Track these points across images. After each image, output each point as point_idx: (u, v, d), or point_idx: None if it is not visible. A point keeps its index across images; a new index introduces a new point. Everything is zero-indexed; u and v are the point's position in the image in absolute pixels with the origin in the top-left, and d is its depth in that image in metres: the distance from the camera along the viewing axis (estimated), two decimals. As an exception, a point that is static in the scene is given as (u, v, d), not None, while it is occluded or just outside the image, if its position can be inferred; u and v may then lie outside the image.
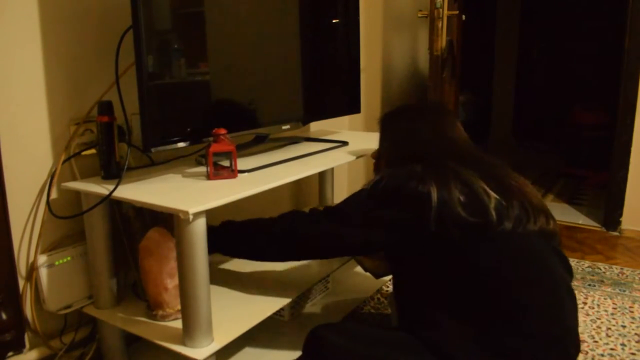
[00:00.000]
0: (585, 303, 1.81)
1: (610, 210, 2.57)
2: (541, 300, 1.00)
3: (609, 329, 1.65)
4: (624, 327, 1.66)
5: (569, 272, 1.10)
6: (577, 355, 1.03)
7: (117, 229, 1.34)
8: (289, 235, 1.22)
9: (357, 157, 1.54)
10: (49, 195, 1.28)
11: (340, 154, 1.57)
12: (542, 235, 1.07)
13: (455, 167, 1.09)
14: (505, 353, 0.95)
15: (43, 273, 1.26)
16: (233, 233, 1.31)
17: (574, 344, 1.02)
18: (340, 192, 2.22)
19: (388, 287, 1.93)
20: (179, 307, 1.22)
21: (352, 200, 1.17)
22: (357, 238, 1.14)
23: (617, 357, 1.50)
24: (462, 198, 1.03)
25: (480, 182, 1.06)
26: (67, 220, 1.31)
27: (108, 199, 1.17)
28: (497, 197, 1.04)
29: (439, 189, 1.04)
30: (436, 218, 1.03)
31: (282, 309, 1.60)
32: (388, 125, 1.32)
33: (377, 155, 1.37)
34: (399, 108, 1.34)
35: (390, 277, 1.95)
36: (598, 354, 1.51)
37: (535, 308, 0.99)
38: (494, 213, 1.02)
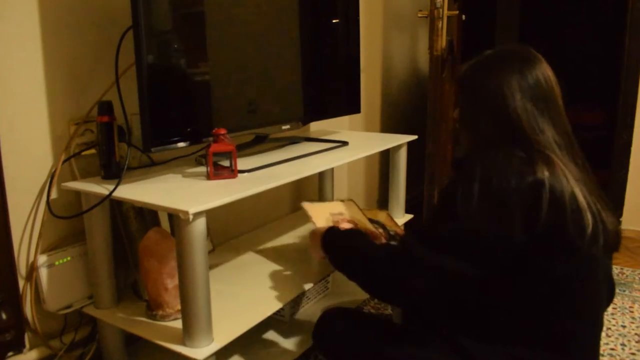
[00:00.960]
0: (585, 303, 1.81)
1: (610, 210, 2.57)
2: (586, 327, 0.96)
3: (609, 329, 1.65)
4: (624, 327, 1.66)
5: (609, 297, 1.04)
6: None
7: (117, 229, 1.34)
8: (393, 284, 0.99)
9: (357, 157, 1.54)
10: (49, 195, 1.28)
11: (340, 154, 1.57)
12: (608, 253, 0.98)
13: (569, 165, 0.93)
14: None
15: (43, 273, 1.26)
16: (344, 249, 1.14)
17: None
18: (340, 192, 2.22)
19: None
20: (179, 307, 1.22)
21: (445, 217, 0.94)
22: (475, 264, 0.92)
23: (617, 357, 1.50)
24: (572, 214, 0.88)
25: (588, 196, 0.91)
26: (67, 220, 1.31)
27: (108, 199, 1.17)
28: (595, 217, 0.90)
29: (552, 202, 0.87)
30: (545, 228, 0.87)
31: (282, 309, 1.60)
32: (471, 82, 1.04)
33: (460, 118, 1.11)
34: (486, 58, 1.04)
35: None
36: (598, 354, 1.51)
37: (579, 335, 0.94)
38: (589, 237, 0.89)
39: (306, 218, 1.38)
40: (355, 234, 1.16)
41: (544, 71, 1.00)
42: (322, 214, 1.39)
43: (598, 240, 0.90)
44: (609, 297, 1.03)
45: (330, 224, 1.31)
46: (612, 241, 0.95)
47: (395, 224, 1.49)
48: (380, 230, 1.39)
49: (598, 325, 0.99)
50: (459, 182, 0.93)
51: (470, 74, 1.03)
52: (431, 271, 0.93)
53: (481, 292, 0.93)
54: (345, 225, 1.28)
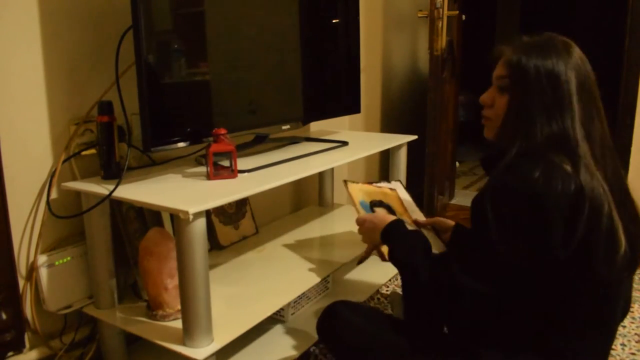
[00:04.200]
0: (585, 303, 1.81)
1: (610, 210, 2.57)
2: (598, 346, 0.96)
3: (609, 329, 1.65)
4: (624, 327, 1.66)
5: (624, 311, 1.01)
6: None
7: (117, 229, 1.34)
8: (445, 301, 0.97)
9: (357, 157, 1.54)
10: (49, 195, 1.28)
11: (340, 154, 1.57)
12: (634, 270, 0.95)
13: (606, 182, 0.87)
14: None
15: (43, 273, 1.26)
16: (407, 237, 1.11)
17: None
18: (340, 192, 2.21)
19: (388, 287, 1.93)
20: (179, 307, 1.22)
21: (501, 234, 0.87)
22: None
23: (617, 357, 1.50)
24: (605, 234, 0.84)
25: (619, 221, 0.86)
26: (67, 220, 1.31)
27: (108, 199, 1.17)
28: (626, 245, 0.87)
29: (604, 208, 0.84)
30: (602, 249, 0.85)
31: (282, 309, 1.60)
32: (524, 68, 0.93)
33: (492, 103, 1.02)
34: (533, 43, 0.96)
35: (391, 276, 1.95)
36: (598, 354, 1.51)
37: (592, 353, 0.94)
38: (618, 266, 0.87)
39: (322, 209, 1.37)
40: (415, 238, 1.10)
41: (586, 64, 0.94)
42: (361, 196, 1.42)
43: (629, 265, 0.88)
44: (624, 311, 1.00)
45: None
46: (632, 259, 0.91)
47: (402, 205, 1.49)
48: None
49: (612, 338, 0.99)
50: (493, 194, 0.88)
51: (522, 59, 0.94)
52: (473, 299, 0.91)
53: (507, 311, 0.91)
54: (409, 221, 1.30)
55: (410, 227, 1.16)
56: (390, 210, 1.44)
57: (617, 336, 1.60)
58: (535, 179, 0.83)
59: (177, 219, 1.04)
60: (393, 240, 1.11)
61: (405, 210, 1.47)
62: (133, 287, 1.38)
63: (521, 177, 0.85)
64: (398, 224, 1.14)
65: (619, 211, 0.87)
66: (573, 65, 0.91)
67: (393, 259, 1.08)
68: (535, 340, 0.93)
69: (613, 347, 1.54)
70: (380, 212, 1.38)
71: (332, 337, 1.11)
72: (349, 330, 1.07)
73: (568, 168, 0.85)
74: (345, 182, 1.48)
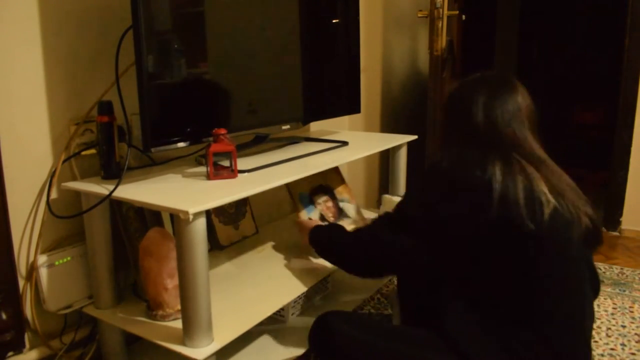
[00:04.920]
0: (585, 303, 1.81)
1: (610, 210, 2.57)
2: (565, 309, 1.00)
3: (609, 329, 1.65)
4: (624, 327, 1.66)
5: (595, 288, 1.10)
6: None
7: (117, 229, 1.34)
8: (361, 247, 1.24)
9: (357, 157, 1.54)
10: (49, 195, 1.28)
11: (340, 154, 1.57)
12: (584, 240, 1.05)
13: (521, 161, 1.04)
14: (517, 350, 0.96)
15: (43, 273, 1.26)
16: (327, 239, 1.38)
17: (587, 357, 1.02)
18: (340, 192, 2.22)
19: (388, 287, 1.93)
20: (179, 307, 1.22)
21: (409, 198, 1.18)
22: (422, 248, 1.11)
23: (617, 357, 1.50)
24: (524, 197, 0.99)
25: (542, 185, 1.01)
26: (67, 220, 1.31)
27: (108, 199, 1.17)
28: (555, 202, 1.00)
29: (504, 181, 1.00)
30: (498, 213, 0.99)
31: (282, 309, 1.60)
32: (450, 100, 1.23)
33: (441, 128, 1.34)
34: (464, 82, 1.23)
35: (391, 276, 1.95)
36: (598, 354, 1.51)
37: (557, 315, 0.99)
38: (547, 220, 0.98)
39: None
40: (333, 227, 1.42)
41: (515, 97, 1.14)
42: (300, 188, 1.65)
43: (554, 228, 0.99)
44: (595, 290, 1.09)
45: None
46: (590, 235, 1.04)
47: (350, 191, 1.56)
48: (330, 203, 1.64)
49: (582, 313, 1.02)
50: (426, 173, 1.14)
51: (453, 92, 1.23)
52: (398, 248, 1.16)
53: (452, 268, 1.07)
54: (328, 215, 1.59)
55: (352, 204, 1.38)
56: (331, 192, 1.49)
57: (617, 336, 1.60)
58: (440, 162, 1.09)
59: (177, 219, 1.04)
60: (319, 237, 1.39)
61: (346, 185, 1.53)
62: (133, 287, 1.38)
63: (446, 160, 1.10)
64: (317, 228, 1.42)
65: (544, 187, 1.01)
66: (492, 98, 1.13)
67: (323, 247, 1.37)
68: (495, 306, 1.01)
69: (613, 347, 1.54)
70: (309, 222, 1.56)
71: (326, 349, 1.10)
72: (342, 340, 1.06)
73: (481, 156, 1.05)
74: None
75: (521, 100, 1.13)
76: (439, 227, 1.07)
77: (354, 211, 1.76)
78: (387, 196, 1.79)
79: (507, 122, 1.10)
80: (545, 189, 1.01)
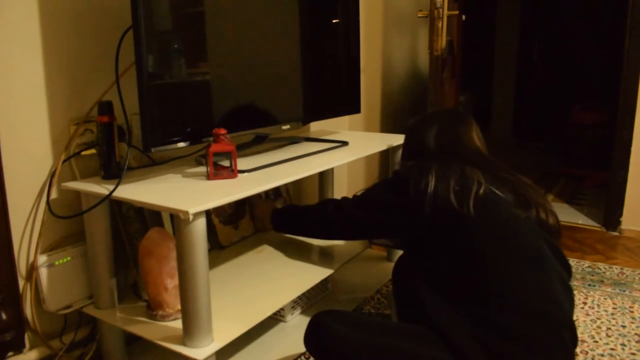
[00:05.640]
0: (585, 303, 1.81)
1: (610, 210, 2.57)
2: (528, 278, 1.04)
3: (609, 329, 1.65)
4: (624, 327, 1.66)
5: (565, 267, 1.15)
6: (573, 344, 1.04)
7: (117, 229, 1.34)
8: (329, 222, 1.41)
9: (357, 157, 1.54)
10: (49, 195, 1.28)
11: (340, 154, 1.57)
12: (539, 225, 1.14)
13: (460, 165, 1.19)
14: (493, 325, 0.99)
15: (43, 273, 1.26)
16: (292, 215, 1.55)
17: (568, 327, 1.04)
18: (340, 192, 2.22)
19: (388, 287, 1.93)
20: (179, 307, 1.22)
21: (375, 188, 1.33)
22: (377, 222, 1.27)
23: (617, 357, 1.50)
24: (456, 187, 1.12)
25: (478, 175, 1.14)
26: (67, 220, 1.31)
27: (108, 199, 1.17)
28: (491, 186, 1.13)
29: (438, 180, 1.15)
30: (430, 203, 1.13)
31: (282, 309, 1.60)
32: (408, 130, 1.46)
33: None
34: (421, 116, 1.48)
35: (391, 276, 1.95)
36: (598, 354, 1.51)
37: (522, 284, 1.03)
38: (478, 199, 1.10)
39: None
40: (293, 206, 1.61)
41: (466, 129, 1.34)
42: None
43: (492, 206, 1.11)
44: (563, 264, 1.15)
45: None
46: (530, 209, 1.14)
47: None
48: None
49: (544, 274, 1.06)
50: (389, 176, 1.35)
51: (411, 124, 1.45)
52: (350, 217, 1.33)
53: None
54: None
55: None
56: None
57: (617, 336, 1.60)
58: (408, 170, 1.24)
59: (177, 219, 1.04)
60: (284, 217, 1.57)
61: None
62: (133, 287, 1.38)
63: (405, 169, 1.27)
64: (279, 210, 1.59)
65: (480, 177, 1.14)
66: (443, 130, 1.35)
67: (290, 224, 1.56)
68: (450, 283, 1.08)
69: (613, 347, 1.54)
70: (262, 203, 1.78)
71: (319, 350, 1.10)
72: (335, 340, 1.06)
73: (429, 165, 1.20)
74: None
75: (473, 131, 1.35)
76: (392, 217, 1.23)
77: None
78: None
79: (454, 145, 1.31)
80: (481, 178, 1.13)
